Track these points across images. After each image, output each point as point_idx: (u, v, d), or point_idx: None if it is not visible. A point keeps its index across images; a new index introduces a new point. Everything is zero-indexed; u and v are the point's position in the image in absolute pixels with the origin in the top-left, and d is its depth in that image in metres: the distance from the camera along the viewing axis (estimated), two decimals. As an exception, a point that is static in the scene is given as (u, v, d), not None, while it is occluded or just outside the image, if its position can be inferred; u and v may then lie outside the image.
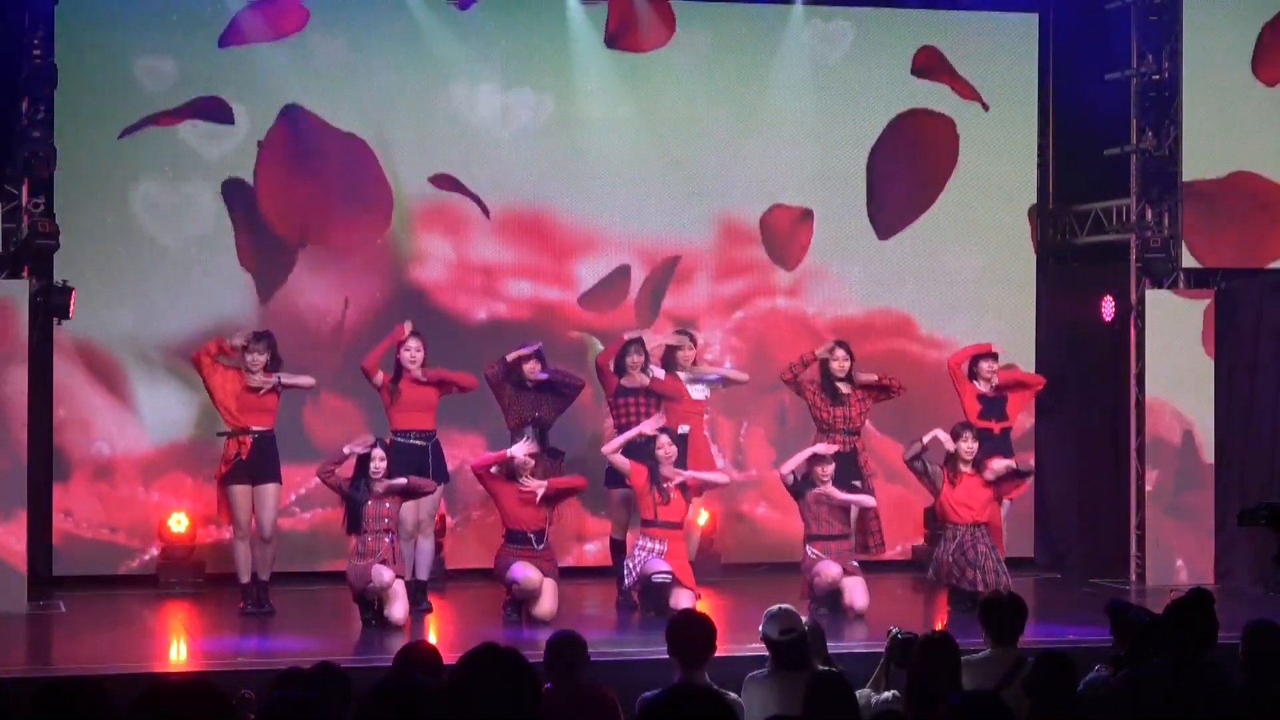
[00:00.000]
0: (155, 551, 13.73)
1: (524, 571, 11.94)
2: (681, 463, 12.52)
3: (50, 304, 12.90)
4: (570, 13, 14.41)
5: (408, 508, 12.33)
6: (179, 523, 13.69)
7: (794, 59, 14.77)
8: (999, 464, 12.62)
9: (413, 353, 12.52)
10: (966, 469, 12.57)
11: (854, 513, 12.77)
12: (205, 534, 13.67)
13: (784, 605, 7.54)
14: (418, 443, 12.46)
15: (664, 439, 12.31)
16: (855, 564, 12.51)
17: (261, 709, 5.32)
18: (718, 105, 14.67)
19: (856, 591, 12.31)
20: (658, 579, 12.11)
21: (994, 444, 12.94)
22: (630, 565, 12.32)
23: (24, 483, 12.65)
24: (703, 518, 13.83)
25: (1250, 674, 6.84)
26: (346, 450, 11.95)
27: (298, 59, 14.00)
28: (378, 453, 11.89)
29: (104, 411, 13.76)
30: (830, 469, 12.48)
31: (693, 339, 13.38)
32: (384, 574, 11.68)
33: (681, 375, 13.10)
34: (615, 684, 6.97)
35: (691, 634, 6.93)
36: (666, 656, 6.94)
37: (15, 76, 12.47)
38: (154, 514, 13.73)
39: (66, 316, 12.91)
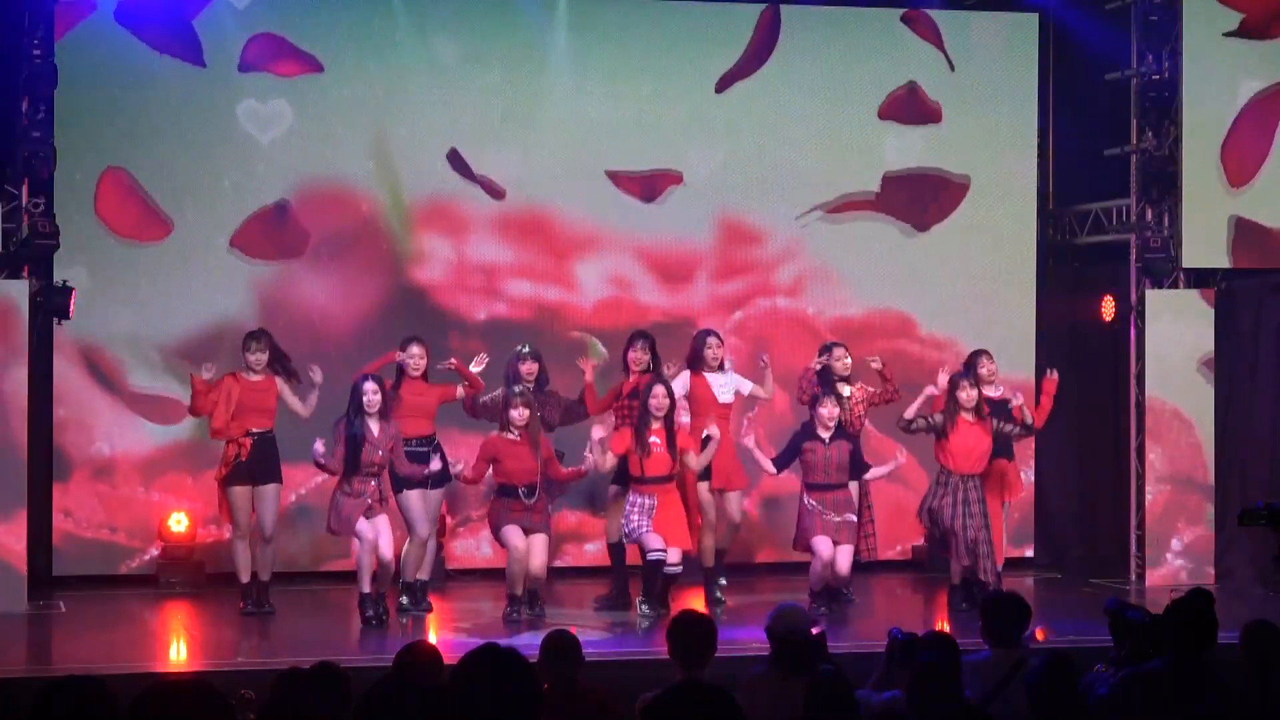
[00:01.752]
0: (155, 551, 13.73)
1: (511, 538, 12.07)
2: (707, 472, 12.67)
3: (50, 304, 12.90)
4: (568, 10, 14.46)
5: (414, 512, 12.38)
6: (179, 523, 13.69)
7: (796, 59, 14.78)
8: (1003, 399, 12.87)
9: (415, 360, 12.56)
10: (968, 417, 12.60)
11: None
12: (205, 534, 13.67)
13: (796, 604, 7.55)
14: (420, 449, 12.48)
15: (659, 389, 12.33)
16: (851, 519, 12.50)
17: (261, 709, 5.31)
18: (719, 105, 14.68)
19: (841, 558, 12.39)
20: (654, 558, 12.15)
21: (998, 446, 12.95)
22: (624, 525, 12.36)
23: (24, 483, 12.66)
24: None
25: (1250, 674, 6.85)
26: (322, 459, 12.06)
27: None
28: (370, 385, 12.04)
29: (104, 411, 13.76)
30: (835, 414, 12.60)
31: (718, 336, 13.32)
32: (365, 533, 11.94)
33: (712, 377, 12.98)
34: (615, 684, 6.96)
35: (691, 634, 6.93)
36: (666, 656, 6.94)
37: (15, 76, 12.47)
38: (154, 514, 13.73)
39: (66, 316, 12.91)
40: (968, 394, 12.62)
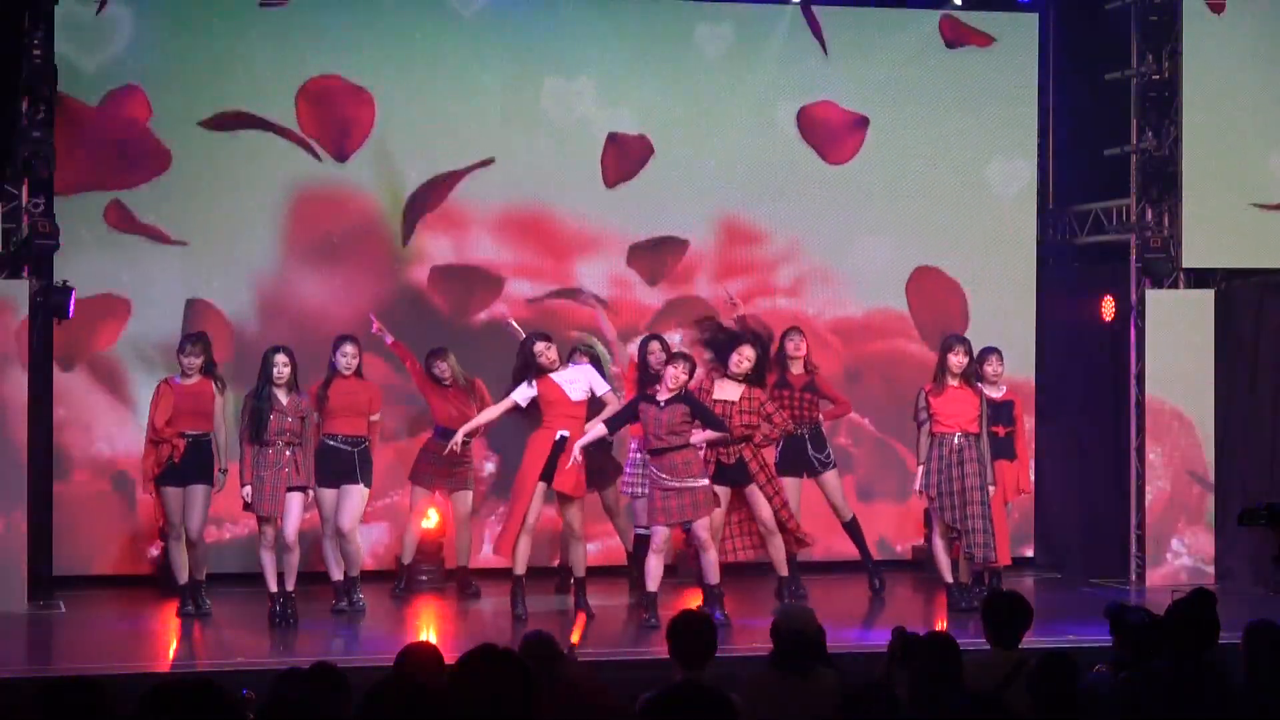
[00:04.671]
0: (155, 551, 13.72)
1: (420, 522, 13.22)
2: (549, 472, 12.00)
3: (50, 304, 12.90)
4: (570, 11, 14.47)
5: (328, 507, 12.40)
6: (178, 523, 13.68)
7: (793, 58, 14.78)
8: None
9: (348, 359, 12.53)
10: (954, 382, 12.60)
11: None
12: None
13: (802, 604, 7.55)
14: (344, 447, 12.44)
15: (654, 344, 12.74)
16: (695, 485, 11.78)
17: (261, 709, 5.32)
18: (719, 104, 14.68)
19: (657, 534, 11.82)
20: (640, 534, 12.70)
21: (999, 447, 12.95)
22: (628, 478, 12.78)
23: (24, 483, 12.66)
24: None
25: (1250, 674, 6.85)
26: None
27: (297, 61, 14.06)
28: (280, 357, 12.05)
29: (104, 411, 13.76)
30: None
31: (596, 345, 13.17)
32: (267, 531, 12.09)
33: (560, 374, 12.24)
34: (615, 684, 6.97)
35: (691, 634, 6.93)
36: (666, 656, 6.94)
37: (15, 76, 12.47)
38: (154, 514, 13.71)
39: (66, 316, 12.91)
40: (958, 359, 12.61)
